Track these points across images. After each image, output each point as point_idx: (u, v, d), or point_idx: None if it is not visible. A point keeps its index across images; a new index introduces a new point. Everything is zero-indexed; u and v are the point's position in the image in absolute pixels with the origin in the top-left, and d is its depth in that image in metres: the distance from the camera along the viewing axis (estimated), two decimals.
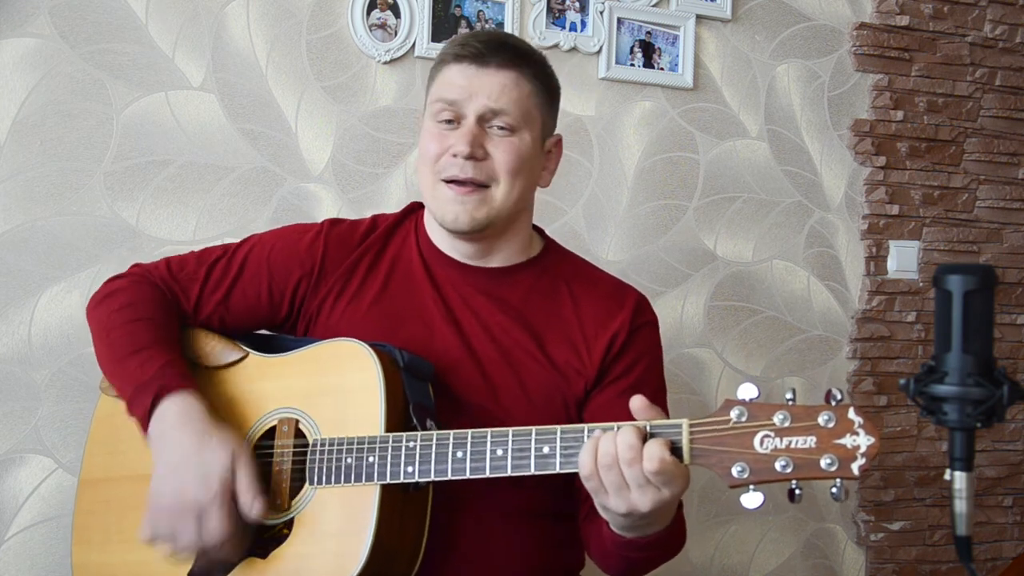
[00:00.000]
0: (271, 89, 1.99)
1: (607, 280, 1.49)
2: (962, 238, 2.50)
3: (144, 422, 1.28)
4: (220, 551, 1.22)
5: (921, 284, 2.46)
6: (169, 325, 1.39)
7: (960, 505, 0.90)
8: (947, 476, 0.91)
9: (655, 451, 1.04)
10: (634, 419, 1.11)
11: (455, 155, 1.33)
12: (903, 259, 2.44)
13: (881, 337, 2.43)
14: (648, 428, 1.08)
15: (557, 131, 1.49)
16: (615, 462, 1.06)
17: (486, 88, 1.34)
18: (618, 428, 1.09)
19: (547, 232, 1.57)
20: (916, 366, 2.43)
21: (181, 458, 1.23)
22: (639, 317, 1.43)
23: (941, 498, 2.47)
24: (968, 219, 2.51)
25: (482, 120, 1.34)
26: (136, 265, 1.48)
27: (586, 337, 1.39)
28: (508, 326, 1.38)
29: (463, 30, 2.07)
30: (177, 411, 1.26)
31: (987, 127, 2.52)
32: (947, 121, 2.48)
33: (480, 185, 1.35)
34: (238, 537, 1.22)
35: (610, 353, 1.39)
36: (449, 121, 1.36)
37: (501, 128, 1.35)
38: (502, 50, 1.36)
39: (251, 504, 1.21)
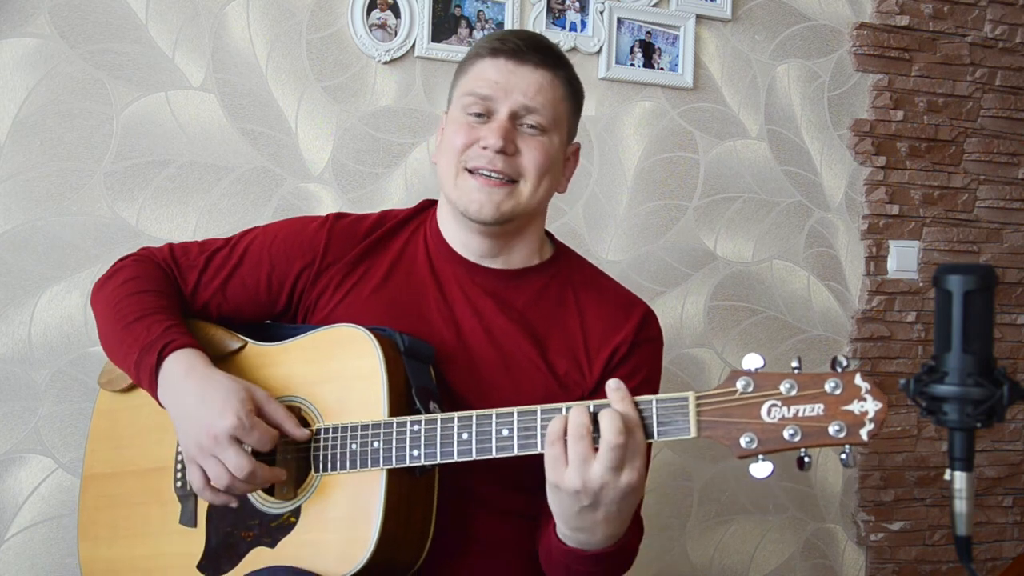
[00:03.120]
0: (271, 89, 1.99)
1: (616, 291, 1.47)
2: (962, 238, 2.50)
3: (152, 383, 1.28)
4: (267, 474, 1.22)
5: (921, 284, 2.46)
6: (173, 296, 1.40)
7: (960, 505, 0.90)
8: (947, 476, 0.91)
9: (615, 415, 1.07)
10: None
11: (485, 147, 1.32)
12: (903, 259, 2.44)
13: (881, 337, 2.43)
14: (655, 404, 1.09)
15: (576, 139, 1.48)
16: (588, 433, 1.07)
17: (522, 85, 1.33)
18: (596, 406, 1.10)
19: (557, 237, 1.54)
20: (916, 366, 2.43)
21: (195, 403, 1.23)
22: (643, 332, 1.41)
23: (941, 498, 2.47)
24: (968, 219, 2.51)
25: (514, 117, 1.34)
26: (143, 248, 1.49)
27: (588, 349, 1.38)
28: (510, 330, 1.37)
29: (463, 30, 2.07)
30: (183, 366, 1.26)
31: (987, 127, 2.52)
32: (947, 121, 2.48)
33: (508, 180, 1.34)
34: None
35: (609, 365, 1.37)
36: (479, 114, 1.35)
37: (532, 127, 1.34)
38: (539, 50, 1.36)
39: (298, 430, 1.23)
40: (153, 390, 1.28)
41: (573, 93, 1.42)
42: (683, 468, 2.30)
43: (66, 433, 1.86)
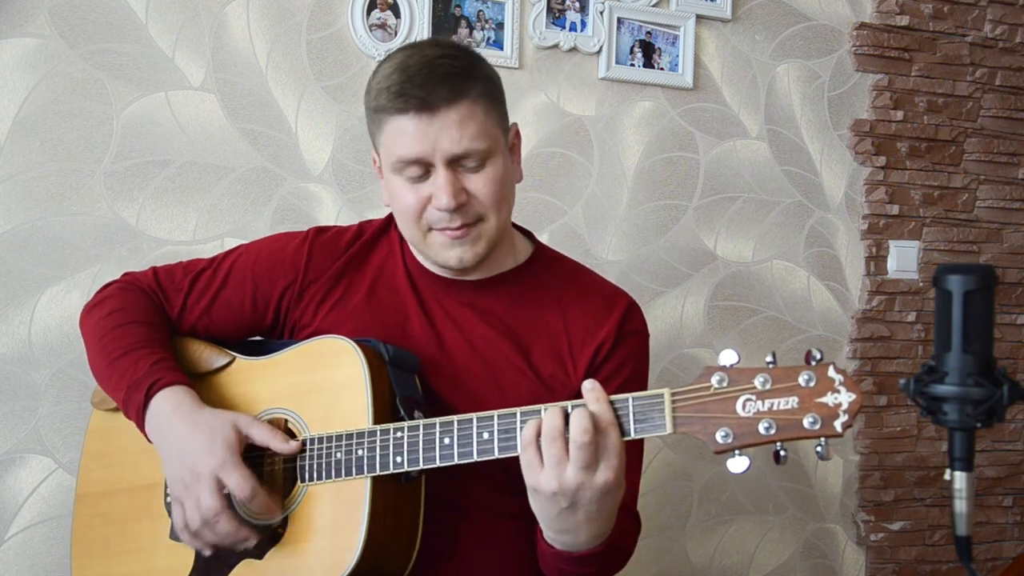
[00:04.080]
0: (271, 89, 1.99)
1: (598, 285, 1.45)
2: (962, 238, 2.50)
3: (140, 420, 1.29)
4: (252, 506, 1.22)
5: (921, 284, 2.46)
6: (160, 327, 1.40)
7: (960, 505, 0.90)
8: (947, 476, 0.91)
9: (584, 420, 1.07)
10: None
11: (439, 209, 1.27)
12: (903, 259, 2.44)
13: (881, 337, 2.43)
14: (631, 401, 1.09)
15: (513, 120, 1.40)
16: (560, 435, 1.07)
17: (444, 134, 1.24)
18: (572, 407, 1.10)
19: (537, 236, 1.52)
20: (916, 366, 2.43)
21: (181, 441, 1.24)
22: (627, 325, 1.39)
23: (941, 498, 2.47)
24: (968, 219, 2.51)
25: (452, 164, 1.27)
26: (126, 274, 1.49)
27: (572, 348, 1.37)
28: (492, 338, 1.36)
29: (463, 30, 2.07)
30: (170, 404, 1.27)
31: (987, 127, 2.52)
32: (947, 121, 2.48)
33: (472, 224, 1.31)
34: (262, 497, 1.23)
35: (595, 362, 1.36)
36: (417, 175, 1.29)
37: (473, 165, 1.28)
38: (440, 85, 1.24)
39: (286, 445, 1.23)
40: (141, 426, 1.29)
41: (490, 95, 1.31)
42: (683, 468, 2.30)
43: (66, 433, 1.86)
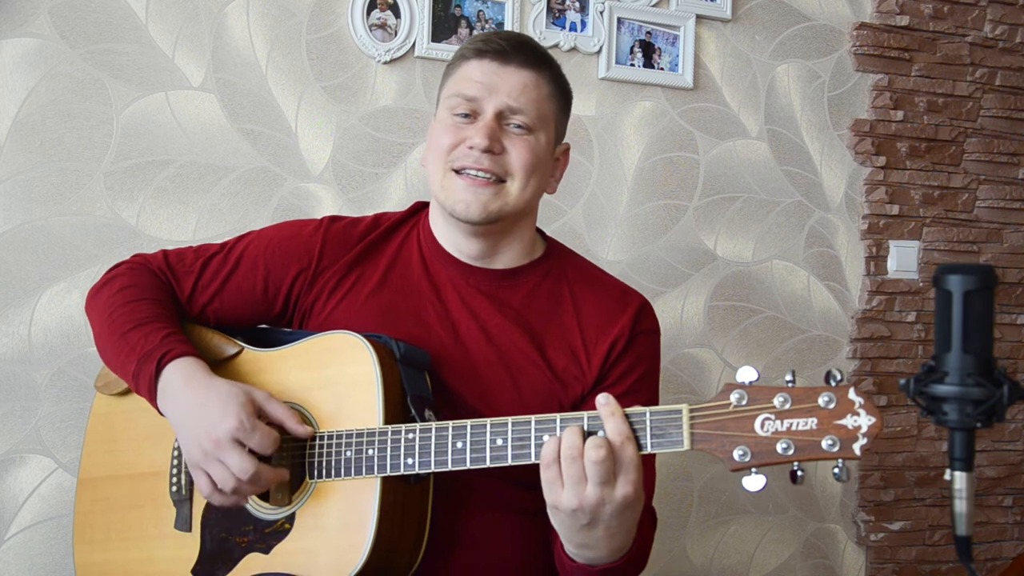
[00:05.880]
0: (271, 89, 1.99)
1: (611, 284, 1.47)
2: (962, 238, 2.50)
3: (152, 393, 1.28)
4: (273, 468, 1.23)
5: (921, 284, 2.46)
6: (168, 305, 1.40)
7: (960, 505, 0.90)
8: (947, 476, 0.91)
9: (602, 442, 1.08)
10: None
11: (471, 147, 1.33)
12: (903, 259, 2.44)
13: (881, 337, 2.43)
14: (649, 416, 1.09)
15: (565, 140, 1.48)
16: (579, 454, 1.07)
17: (506, 85, 1.34)
18: (589, 422, 1.10)
19: (548, 234, 1.55)
20: (916, 366, 2.43)
21: (195, 408, 1.23)
22: (640, 323, 1.41)
23: (941, 498, 2.47)
24: (968, 219, 2.51)
25: (500, 117, 1.34)
26: (136, 255, 1.49)
27: (586, 344, 1.38)
28: (507, 329, 1.37)
29: (463, 30, 2.07)
30: (183, 375, 1.26)
31: (987, 127, 2.52)
32: (947, 121, 2.48)
33: (495, 179, 1.34)
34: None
35: (609, 359, 1.38)
36: (465, 115, 1.35)
37: (518, 127, 1.35)
38: (524, 50, 1.37)
39: (300, 428, 1.24)
40: (152, 399, 1.29)
41: (560, 93, 1.42)
42: (683, 468, 2.30)
43: (66, 433, 1.86)
